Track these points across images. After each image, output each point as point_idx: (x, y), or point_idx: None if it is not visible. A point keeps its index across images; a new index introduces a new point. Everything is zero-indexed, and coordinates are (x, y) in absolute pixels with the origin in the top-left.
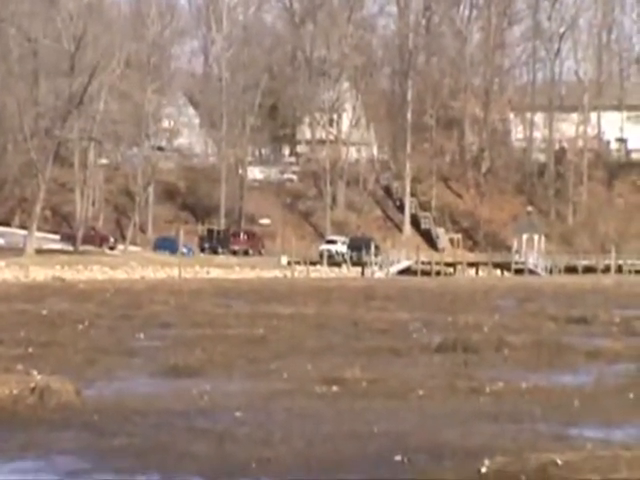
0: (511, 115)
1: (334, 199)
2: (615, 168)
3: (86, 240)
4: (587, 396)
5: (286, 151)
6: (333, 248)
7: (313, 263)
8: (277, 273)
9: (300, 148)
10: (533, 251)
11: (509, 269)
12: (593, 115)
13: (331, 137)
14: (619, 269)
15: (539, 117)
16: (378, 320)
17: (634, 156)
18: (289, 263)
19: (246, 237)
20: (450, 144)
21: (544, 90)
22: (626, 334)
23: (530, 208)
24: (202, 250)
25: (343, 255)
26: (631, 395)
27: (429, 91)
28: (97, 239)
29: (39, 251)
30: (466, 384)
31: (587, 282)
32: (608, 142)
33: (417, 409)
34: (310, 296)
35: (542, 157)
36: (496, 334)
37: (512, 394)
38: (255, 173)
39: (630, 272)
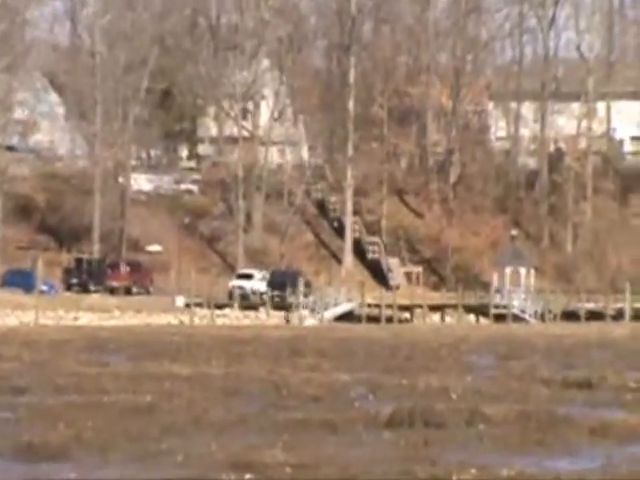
0: (490, 105)
1: (249, 218)
2: (630, 177)
3: None
4: None
5: (183, 152)
6: (248, 285)
7: (220, 306)
8: (171, 319)
9: (202, 149)
10: (519, 290)
11: (487, 314)
12: (600, 105)
13: (245, 134)
14: (636, 315)
15: (527, 108)
16: (308, 383)
17: None
18: (187, 305)
19: (129, 270)
20: (407, 144)
21: (534, 72)
22: None
23: (515, 232)
24: (68, 287)
25: (261, 295)
26: None
27: (378, 72)
28: None
29: None
30: (427, 471)
31: (592, 332)
32: (621, 142)
33: None
34: (216, 351)
35: (532, 162)
36: (468, 403)
37: None
38: (141, 182)
39: None
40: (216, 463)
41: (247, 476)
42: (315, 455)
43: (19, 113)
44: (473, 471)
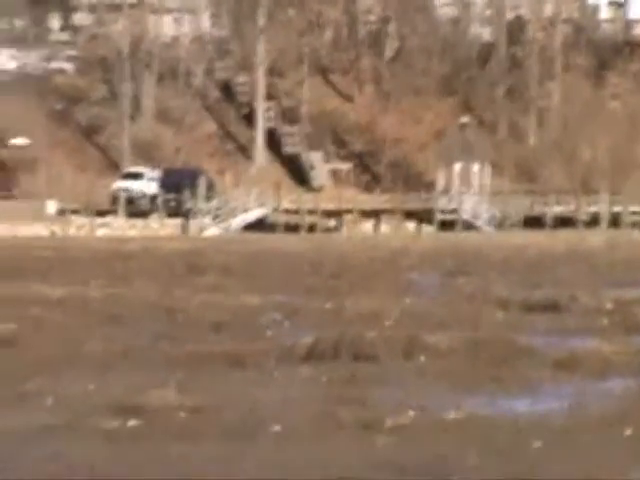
0: None
1: (136, 104)
2: (606, 51)
3: None
4: (556, 433)
5: (55, 23)
6: (135, 187)
7: (102, 213)
8: (41, 229)
9: (79, 17)
10: (471, 191)
11: (431, 221)
12: None
13: None
14: (614, 221)
15: None
16: (210, 308)
17: (639, 31)
18: (61, 213)
19: None
20: (332, 11)
21: None
22: (623, 329)
23: (466, 119)
24: None
25: (152, 199)
26: (629, 431)
27: None
28: None
29: None
30: (354, 414)
31: (561, 242)
32: (595, 7)
33: (270, 457)
34: (96, 268)
35: (486, 33)
36: (406, 330)
37: (431, 431)
38: (2, 60)
39: (633, 225)
40: (94, 407)
41: (131, 422)
42: (216, 396)
43: None
44: (411, 413)
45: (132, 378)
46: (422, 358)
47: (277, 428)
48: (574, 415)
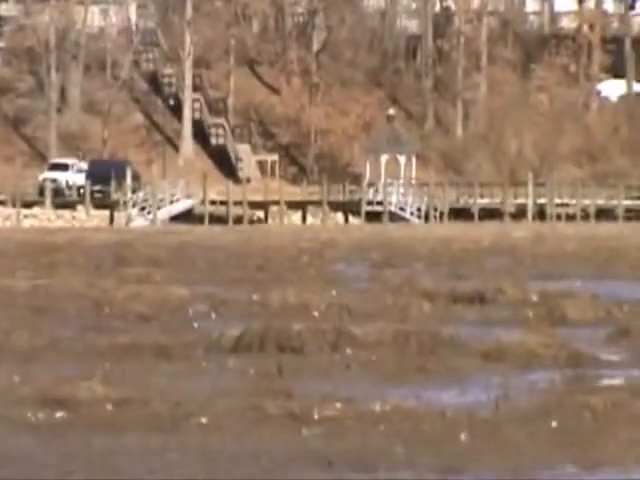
0: None
1: (63, 95)
2: (533, 44)
3: None
4: (482, 425)
5: None
6: (62, 178)
7: (28, 204)
8: None
9: (5, 8)
10: (397, 183)
11: (358, 213)
12: None
13: None
14: (540, 213)
15: None
16: (136, 299)
17: (565, 24)
18: None
19: None
20: (259, 3)
21: None
22: (548, 321)
23: (392, 111)
24: None
25: (79, 190)
26: (554, 423)
27: None
28: None
29: None
30: (281, 406)
31: (487, 234)
32: (522, 1)
33: (196, 449)
34: (22, 259)
35: (413, 26)
36: (333, 322)
37: (357, 422)
38: None
39: (559, 218)
40: (20, 399)
41: (58, 414)
42: (143, 388)
43: None
44: (338, 405)
45: (58, 370)
46: (348, 350)
47: (204, 419)
48: (500, 407)
